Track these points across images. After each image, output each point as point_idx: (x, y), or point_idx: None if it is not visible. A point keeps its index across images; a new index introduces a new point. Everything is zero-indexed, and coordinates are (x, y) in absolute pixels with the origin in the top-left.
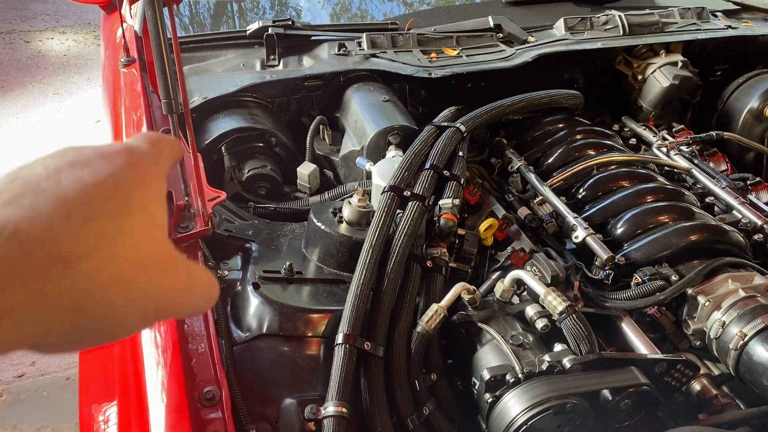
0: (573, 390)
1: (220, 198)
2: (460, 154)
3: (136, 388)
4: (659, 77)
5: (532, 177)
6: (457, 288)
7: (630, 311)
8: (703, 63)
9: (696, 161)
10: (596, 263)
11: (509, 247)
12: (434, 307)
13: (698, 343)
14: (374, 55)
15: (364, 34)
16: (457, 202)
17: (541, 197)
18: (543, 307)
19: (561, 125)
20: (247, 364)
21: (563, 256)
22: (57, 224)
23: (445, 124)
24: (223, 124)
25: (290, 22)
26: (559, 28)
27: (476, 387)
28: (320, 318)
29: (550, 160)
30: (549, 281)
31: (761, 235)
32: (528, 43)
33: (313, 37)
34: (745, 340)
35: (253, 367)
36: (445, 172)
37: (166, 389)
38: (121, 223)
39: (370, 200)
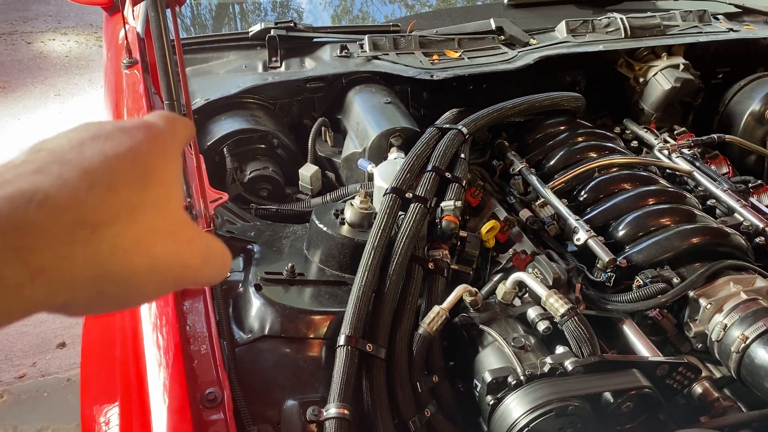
0: (575, 392)
1: (222, 199)
2: (462, 156)
3: (138, 389)
4: (661, 80)
5: (534, 179)
6: (459, 290)
7: (631, 314)
8: (705, 66)
9: (697, 164)
10: (598, 266)
11: (511, 249)
12: (436, 308)
13: (700, 345)
14: (376, 57)
15: (366, 36)
16: (459, 204)
17: (542, 199)
18: (545, 309)
19: (562, 127)
20: (249, 365)
21: (565, 258)
22: (83, 192)
23: (447, 126)
24: (225, 126)
25: (292, 24)
26: (561, 30)
27: (478, 389)
28: (322, 320)
29: (551, 163)
30: (551, 283)
31: (763, 238)
32: (530, 45)
33: (315, 39)
34: (747, 342)
35: (254, 368)
36: (447, 174)
37: (167, 390)
38: (142, 193)
39: (372, 202)
